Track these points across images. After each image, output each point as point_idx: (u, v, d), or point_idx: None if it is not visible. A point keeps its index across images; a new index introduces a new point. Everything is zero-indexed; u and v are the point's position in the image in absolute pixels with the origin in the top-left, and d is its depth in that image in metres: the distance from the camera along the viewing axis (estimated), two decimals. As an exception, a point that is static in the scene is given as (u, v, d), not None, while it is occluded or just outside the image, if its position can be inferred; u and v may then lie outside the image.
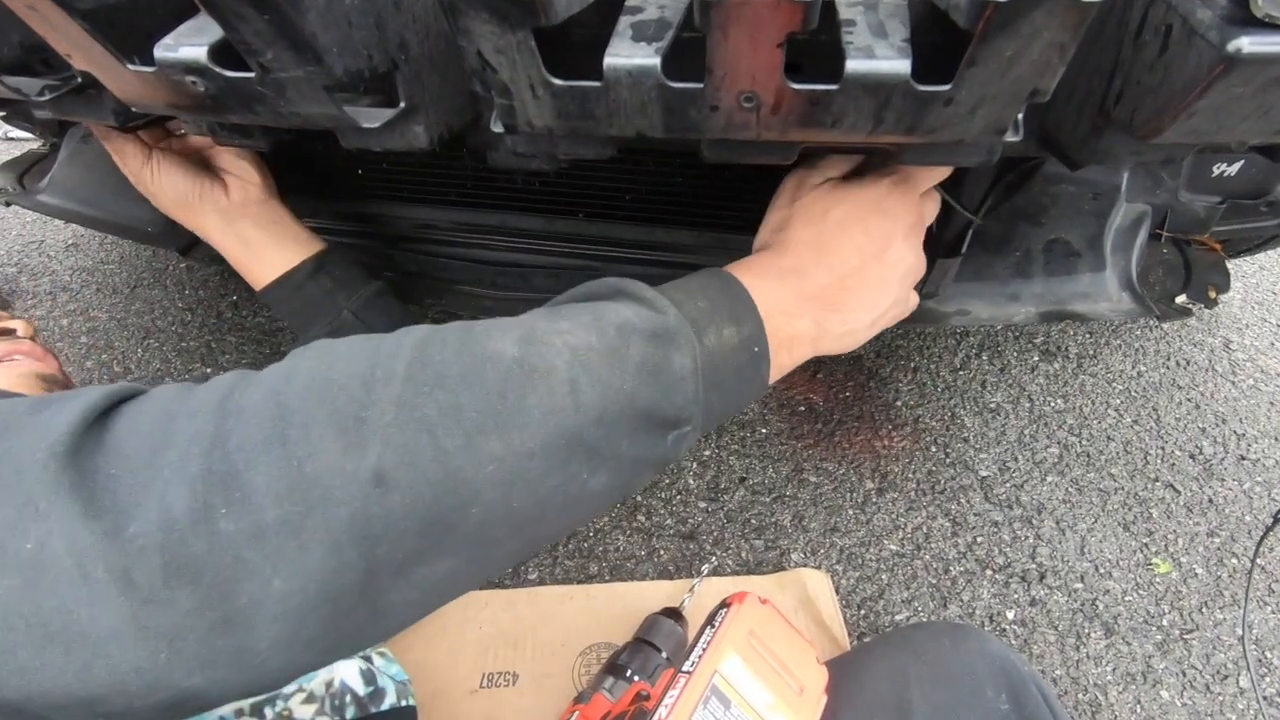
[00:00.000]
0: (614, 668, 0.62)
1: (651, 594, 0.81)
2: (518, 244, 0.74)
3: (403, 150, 0.36)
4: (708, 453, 1.01)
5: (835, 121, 0.29)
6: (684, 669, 0.50)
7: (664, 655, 0.64)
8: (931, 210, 0.46)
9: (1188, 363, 1.16)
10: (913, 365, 1.16)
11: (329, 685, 0.51)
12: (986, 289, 0.65)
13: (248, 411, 0.27)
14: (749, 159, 0.34)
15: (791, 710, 0.50)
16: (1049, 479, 0.97)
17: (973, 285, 0.65)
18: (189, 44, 0.30)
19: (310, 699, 0.50)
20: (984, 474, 0.98)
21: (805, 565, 0.87)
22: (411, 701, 0.57)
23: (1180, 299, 0.75)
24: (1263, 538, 0.68)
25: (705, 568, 0.86)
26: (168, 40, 0.30)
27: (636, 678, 0.59)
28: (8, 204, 0.89)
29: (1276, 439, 1.03)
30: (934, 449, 1.01)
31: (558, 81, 0.29)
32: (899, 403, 1.09)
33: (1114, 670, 0.78)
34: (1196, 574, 0.87)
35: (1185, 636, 0.81)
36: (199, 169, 0.59)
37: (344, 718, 0.51)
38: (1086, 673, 0.78)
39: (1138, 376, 1.14)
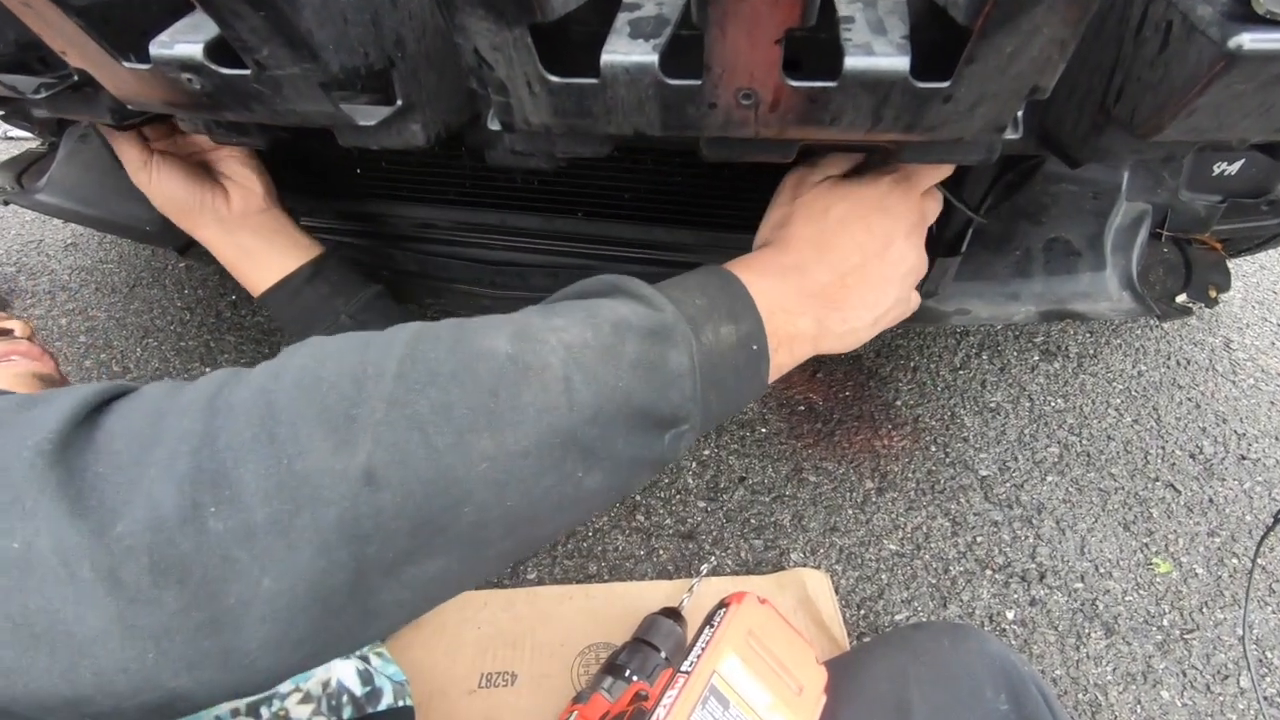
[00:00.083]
0: (613, 668, 0.62)
1: (650, 594, 0.81)
2: (516, 243, 0.74)
3: (400, 148, 0.36)
4: (707, 452, 1.01)
5: (834, 119, 0.29)
6: (682, 669, 0.50)
7: (663, 655, 0.63)
8: (933, 209, 0.46)
9: (1188, 362, 1.16)
10: (912, 364, 1.15)
11: (326, 685, 0.51)
12: (987, 288, 0.65)
13: (237, 409, 0.26)
14: (748, 157, 0.34)
15: (790, 710, 0.50)
16: (1049, 479, 0.97)
17: (973, 284, 0.65)
18: (185, 41, 0.30)
19: (307, 699, 0.50)
20: (984, 473, 0.98)
21: (805, 565, 0.87)
22: (409, 702, 0.57)
23: (1181, 298, 0.75)
24: (1263, 537, 0.68)
25: (704, 567, 0.85)
26: (163, 37, 0.30)
27: (635, 678, 0.59)
28: (6, 203, 0.89)
29: (1277, 438, 1.03)
30: (934, 448, 1.01)
31: (555, 79, 0.29)
32: (899, 402, 1.09)
33: (1114, 670, 0.78)
34: (1197, 574, 0.87)
35: (1186, 636, 0.81)
36: (200, 176, 0.59)
37: (341, 718, 0.51)
38: (1086, 673, 0.78)
39: (1138, 376, 1.13)
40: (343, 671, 0.53)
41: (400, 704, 0.55)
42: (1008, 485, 0.96)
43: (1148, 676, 0.77)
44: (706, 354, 0.34)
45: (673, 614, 0.69)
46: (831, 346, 0.42)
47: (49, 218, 1.29)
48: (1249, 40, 0.24)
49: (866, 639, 0.80)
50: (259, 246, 0.61)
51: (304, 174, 0.74)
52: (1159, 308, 0.69)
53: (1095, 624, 0.82)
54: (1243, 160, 0.63)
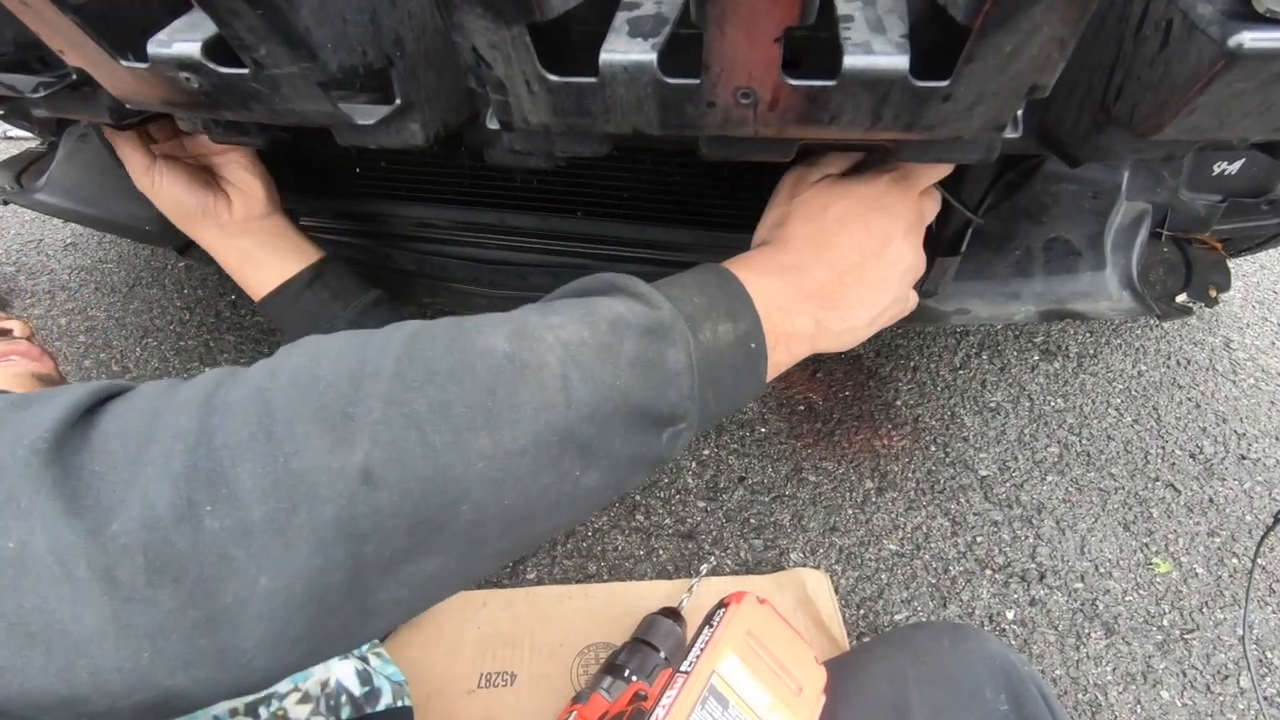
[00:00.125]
0: (612, 668, 0.62)
1: (650, 594, 0.81)
2: (515, 242, 0.74)
3: (399, 148, 0.36)
4: (706, 452, 1.01)
5: (833, 118, 0.29)
6: (681, 669, 0.50)
7: (662, 655, 0.63)
8: (931, 209, 0.46)
9: (1188, 362, 1.16)
10: (912, 364, 1.15)
11: (324, 685, 0.51)
12: (986, 288, 0.65)
13: (234, 408, 0.26)
14: (747, 156, 0.34)
15: (789, 710, 0.50)
16: (1049, 478, 0.97)
17: (973, 284, 0.65)
18: (183, 40, 0.30)
19: (305, 699, 0.50)
20: (984, 473, 0.98)
21: (804, 565, 0.87)
22: (407, 702, 0.56)
23: (1181, 298, 0.75)
24: (1263, 537, 0.68)
25: (704, 567, 0.85)
26: (161, 36, 0.30)
27: (634, 678, 0.59)
28: (6, 203, 0.89)
29: (1277, 438, 1.03)
30: (934, 448, 1.01)
31: (553, 77, 0.29)
32: (899, 402, 1.09)
33: (1114, 670, 0.78)
34: (1197, 574, 0.87)
35: (1185, 636, 0.81)
36: (203, 182, 0.59)
37: (339, 718, 0.51)
38: (1086, 673, 0.78)
39: (1138, 376, 1.13)
40: (341, 671, 0.53)
41: (399, 704, 0.55)
42: (1008, 485, 0.96)
43: (1147, 676, 0.77)
44: (704, 352, 0.34)
45: (672, 614, 0.69)
46: (829, 345, 0.42)
47: (48, 217, 1.29)
48: (1249, 39, 0.24)
49: (866, 639, 0.80)
50: (260, 252, 0.61)
51: (303, 173, 0.74)
52: (1159, 307, 0.69)
53: (1095, 624, 0.82)
54: (1243, 160, 0.63)
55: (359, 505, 0.26)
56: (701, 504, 0.94)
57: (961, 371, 1.14)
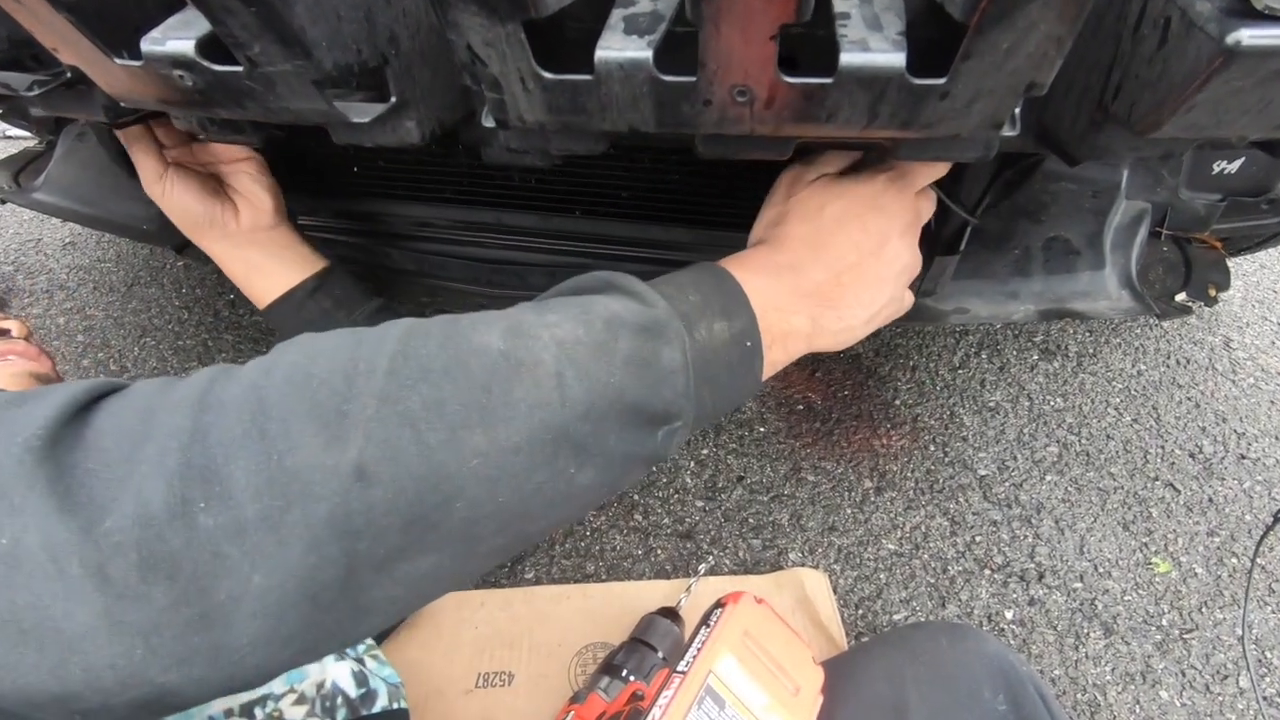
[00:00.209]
0: (610, 667, 0.62)
1: (648, 593, 0.81)
2: (513, 241, 0.74)
3: (394, 146, 0.36)
4: (705, 451, 1.01)
5: (830, 115, 0.29)
6: (678, 669, 0.50)
7: (660, 655, 0.63)
8: (927, 208, 0.46)
9: (1188, 361, 1.16)
10: (911, 364, 1.15)
11: (320, 687, 0.51)
12: (985, 287, 0.65)
13: (228, 405, 0.26)
14: (744, 154, 0.34)
15: (787, 711, 0.49)
16: (1048, 478, 0.97)
17: (971, 283, 0.65)
18: (176, 38, 0.30)
19: (301, 700, 0.49)
20: (983, 473, 0.98)
21: (803, 565, 0.86)
22: (403, 704, 0.56)
23: (1180, 297, 0.75)
24: (1263, 537, 0.68)
25: (702, 567, 0.85)
26: (155, 34, 0.30)
27: (632, 678, 0.59)
28: (3, 202, 0.89)
29: (1277, 438, 1.03)
30: (933, 448, 1.01)
31: (548, 75, 0.29)
32: (898, 401, 1.08)
33: (1113, 670, 0.78)
34: (1196, 573, 0.86)
35: (1185, 636, 0.80)
36: (213, 191, 0.59)
37: (335, 719, 0.51)
38: (1085, 673, 0.78)
39: (1137, 375, 1.13)
40: (337, 673, 0.52)
41: (395, 706, 0.55)
42: (1007, 484, 0.96)
43: (1146, 676, 0.77)
44: (700, 350, 0.34)
45: (670, 614, 0.69)
46: (826, 344, 0.42)
47: (47, 216, 1.29)
48: (1248, 36, 0.24)
49: (864, 639, 0.80)
50: (266, 261, 0.61)
51: (301, 173, 0.73)
52: (1158, 306, 0.69)
53: (1094, 624, 0.82)
54: (1242, 159, 0.63)
55: (353, 503, 0.26)
56: (700, 503, 0.94)
57: (960, 371, 1.14)
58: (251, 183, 0.60)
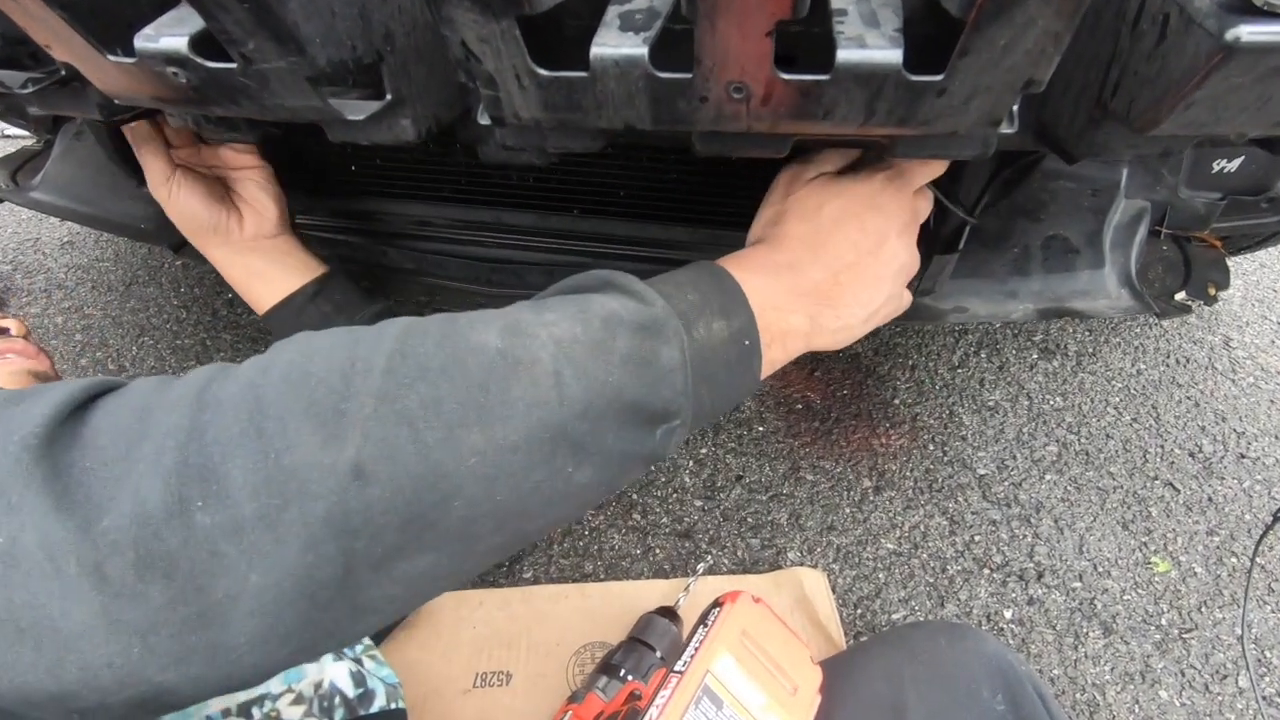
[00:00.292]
0: (608, 667, 0.62)
1: (647, 593, 0.81)
2: (512, 240, 0.74)
3: (390, 144, 0.36)
4: (704, 450, 1.01)
5: (827, 113, 0.29)
6: (676, 668, 0.50)
7: (658, 654, 0.63)
8: (925, 207, 0.46)
9: (1187, 360, 1.16)
10: (911, 363, 1.15)
11: (318, 686, 0.51)
12: (984, 286, 0.65)
13: (225, 404, 0.26)
14: (740, 152, 0.34)
15: (785, 711, 0.49)
16: (1047, 477, 0.97)
17: (970, 282, 0.65)
18: (170, 34, 0.30)
19: (299, 700, 0.49)
20: (982, 472, 0.98)
21: (802, 564, 0.86)
22: (401, 704, 0.56)
23: (1180, 296, 0.74)
24: (1262, 536, 0.67)
25: (701, 566, 0.85)
26: (148, 30, 0.30)
27: (630, 677, 0.59)
28: (1, 201, 0.89)
29: (1276, 437, 1.03)
30: (932, 447, 1.01)
31: (543, 72, 0.28)
32: (897, 401, 1.08)
33: (1112, 670, 0.78)
34: (1195, 573, 0.86)
35: (1184, 636, 0.80)
36: (218, 197, 0.59)
37: (332, 719, 0.51)
38: (1084, 672, 0.77)
39: (1137, 374, 1.13)
40: (335, 673, 0.52)
41: (393, 706, 0.55)
42: (1006, 484, 0.96)
43: (1146, 676, 0.77)
44: (698, 349, 0.34)
45: (668, 613, 0.69)
46: (825, 343, 0.42)
47: (45, 216, 1.29)
48: (1247, 32, 0.24)
49: (863, 638, 0.80)
50: (267, 268, 0.61)
51: (299, 171, 0.73)
52: (1158, 305, 0.68)
53: (1093, 623, 0.81)
54: (1242, 157, 0.63)
55: (350, 501, 0.25)
56: (699, 503, 0.94)
57: (960, 370, 1.14)
58: (258, 190, 0.60)
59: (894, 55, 0.26)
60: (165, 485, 0.24)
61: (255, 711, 0.47)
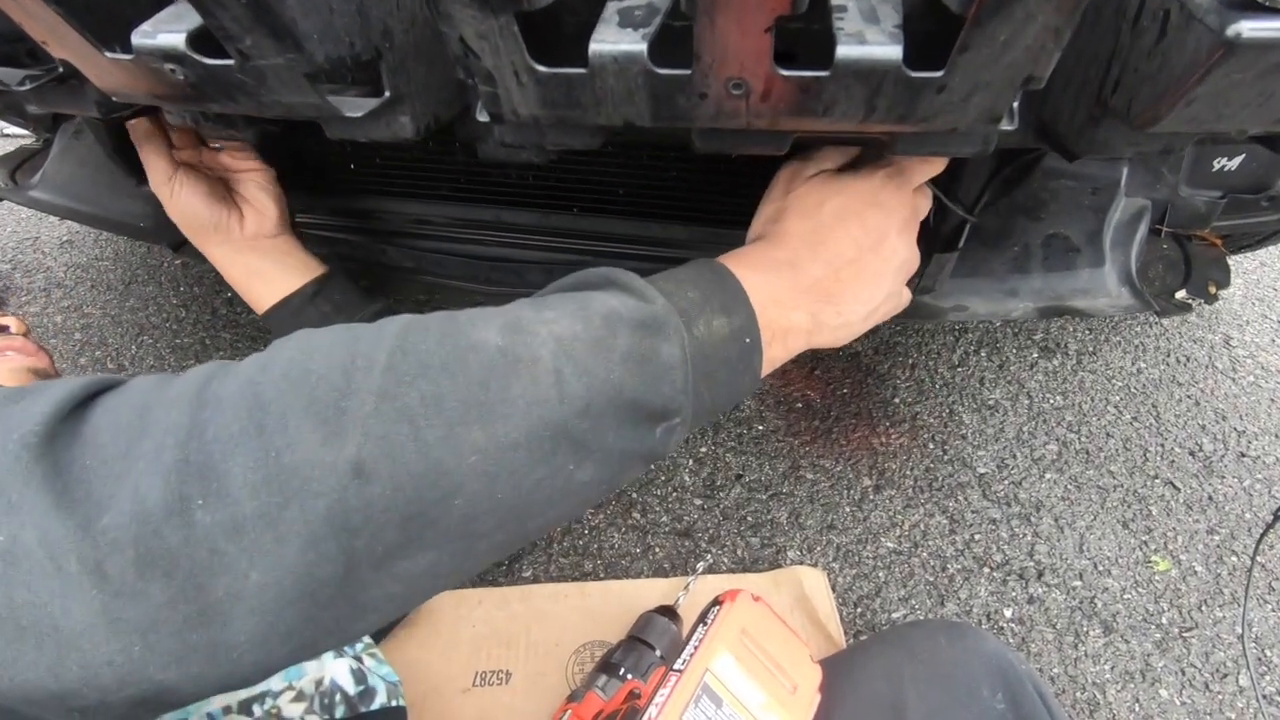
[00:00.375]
0: (607, 666, 0.62)
1: (646, 592, 0.81)
2: (511, 239, 0.74)
3: (389, 141, 0.36)
4: (704, 449, 1.01)
5: (826, 109, 0.29)
6: (676, 667, 0.50)
7: (658, 653, 0.63)
8: (925, 205, 0.46)
9: (1188, 359, 1.16)
10: (911, 362, 1.15)
11: (319, 684, 0.51)
12: (984, 284, 0.65)
13: (225, 402, 0.26)
14: (740, 149, 0.34)
15: (784, 709, 0.49)
16: (1048, 476, 0.97)
17: (970, 281, 0.65)
18: (167, 31, 0.29)
19: (300, 697, 0.49)
20: (982, 471, 0.98)
21: (801, 563, 0.86)
22: (401, 702, 0.56)
23: (1180, 294, 0.74)
24: (1263, 535, 0.67)
25: (700, 565, 0.85)
26: (146, 27, 0.30)
27: (630, 676, 0.59)
28: (1, 199, 0.88)
29: (1277, 436, 1.02)
30: (932, 446, 1.01)
31: (542, 68, 0.28)
32: (897, 399, 1.08)
33: (1112, 669, 0.78)
34: (1196, 571, 0.86)
35: (1184, 634, 0.80)
36: (219, 197, 0.59)
37: (333, 717, 0.51)
38: (1084, 671, 0.77)
39: (1137, 373, 1.13)
40: (336, 670, 0.52)
41: (393, 704, 0.55)
42: (1006, 483, 0.96)
43: (1146, 675, 0.77)
44: (699, 346, 0.34)
45: (668, 612, 0.69)
46: (825, 341, 0.42)
47: (45, 215, 1.29)
48: (1248, 28, 0.23)
49: (863, 637, 0.80)
50: (266, 267, 0.61)
51: (298, 170, 0.73)
52: (1158, 304, 0.68)
53: (1093, 622, 0.81)
54: (1243, 155, 0.63)
55: (351, 499, 0.25)
56: (698, 501, 0.94)
57: (960, 369, 1.14)
58: (259, 190, 0.60)
59: (894, 51, 0.26)
60: (165, 483, 0.24)
61: (256, 709, 0.47)
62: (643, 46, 0.27)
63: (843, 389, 1.10)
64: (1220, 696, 0.75)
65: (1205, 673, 0.77)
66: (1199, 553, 0.88)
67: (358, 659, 0.55)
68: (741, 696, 0.49)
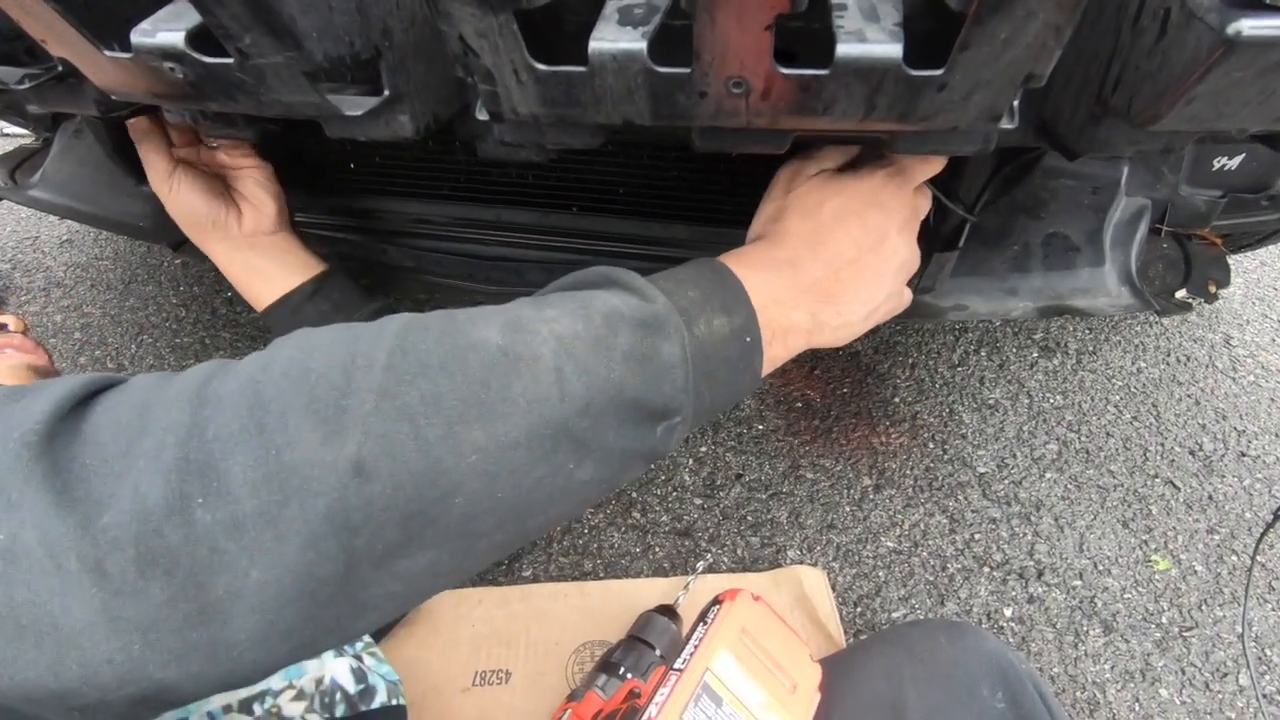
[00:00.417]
0: (607, 665, 0.62)
1: (646, 591, 0.81)
2: (511, 238, 0.74)
3: (388, 140, 0.36)
4: (704, 449, 1.01)
5: (826, 108, 0.29)
6: (676, 666, 0.50)
7: (657, 653, 0.63)
8: (925, 204, 0.46)
9: (1188, 359, 1.16)
10: (911, 361, 1.15)
11: (319, 683, 0.51)
12: (985, 284, 0.65)
13: (225, 400, 0.26)
14: (740, 148, 0.34)
15: (784, 708, 0.49)
16: (1048, 475, 0.97)
17: (970, 280, 0.65)
18: (166, 29, 0.29)
19: (300, 696, 0.49)
20: (982, 470, 0.98)
21: (801, 562, 0.86)
22: (402, 701, 0.56)
23: (1180, 294, 0.74)
24: (1263, 535, 0.67)
25: (700, 565, 0.85)
26: (145, 25, 0.30)
27: (629, 675, 0.59)
28: (1, 199, 0.88)
29: (1277, 435, 1.02)
30: (932, 445, 1.01)
31: (541, 66, 0.28)
32: (897, 399, 1.08)
33: (1112, 668, 0.78)
34: (1196, 571, 0.86)
35: (1184, 634, 0.80)
36: (218, 194, 0.59)
37: (333, 715, 0.51)
38: (1085, 670, 0.77)
39: (1137, 372, 1.13)
40: (336, 669, 0.52)
41: (394, 703, 0.55)
42: (1006, 482, 0.96)
43: (1146, 674, 0.77)
44: (699, 346, 0.34)
45: (668, 611, 0.69)
46: (825, 340, 0.42)
47: (45, 214, 1.29)
48: (1248, 26, 0.23)
49: (863, 636, 0.80)
50: (265, 265, 0.61)
51: (298, 169, 0.73)
52: (1158, 303, 0.68)
53: (1094, 621, 0.81)
54: (1243, 155, 0.63)
55: (351, 498, 0.25)
56: (698, 501, 0.94)
57: (960, 368, 1.14)
58: (257, 187, 0.60)
59: (894, 50, 0.26)
60: (166, 482, 0.24)
61: (256, 708, 0.47)
62: (643, 45, 0.27)
63: (843, 388, 1.10)
64: (1220, 696, 0.75)
65: (1205, 672, 0.77)
66: (1199, 552, 0.88)
67: (358, 658, 0.55)
68: (741, 696, 0.49)
